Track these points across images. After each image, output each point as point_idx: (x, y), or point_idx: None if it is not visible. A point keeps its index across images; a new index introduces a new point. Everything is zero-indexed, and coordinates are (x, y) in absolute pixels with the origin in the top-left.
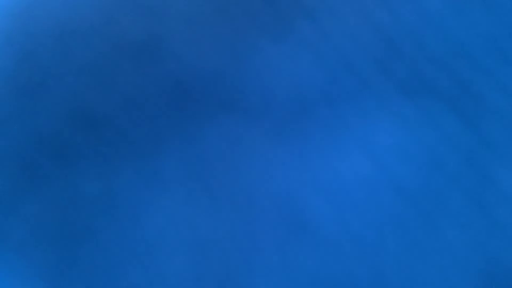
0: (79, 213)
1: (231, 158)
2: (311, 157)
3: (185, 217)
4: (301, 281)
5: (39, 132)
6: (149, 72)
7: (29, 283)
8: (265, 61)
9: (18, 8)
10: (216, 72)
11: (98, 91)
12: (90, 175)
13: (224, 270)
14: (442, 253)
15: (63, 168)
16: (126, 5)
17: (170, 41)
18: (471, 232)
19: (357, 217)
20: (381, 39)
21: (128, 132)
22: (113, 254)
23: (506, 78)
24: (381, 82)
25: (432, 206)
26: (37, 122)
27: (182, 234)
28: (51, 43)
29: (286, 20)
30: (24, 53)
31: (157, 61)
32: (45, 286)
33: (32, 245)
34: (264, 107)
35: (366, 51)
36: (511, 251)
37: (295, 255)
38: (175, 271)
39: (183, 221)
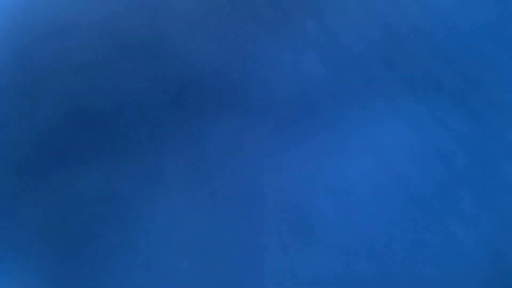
0: (81, 215)
1: (235, 157)
2: (316, 156)
3: (188, 217)
4: (307, 280)
5: (39, 132)
6: (151, 71)
7: (30, 286)
8: (269, 59)
9: (16, 6)
10: (219, 70)
11: (99, 90)
12: (91, 176)
13: (229, 270)
14: (450, 250)
15: (64, 169)
16: (127, 2)
17: (172, 39)
18: (479, 229)
19: (363, 216)
20: (387, 36)
21: (129, 131)
22: (116, 255)
23: None
24: (387, 79)
25: (439, 204)
26: (37, 123)
27: (186, 235)
28: (51, 42)
29: (289, 17)
30: (23, 52)
31: (159, 59)
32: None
33: (34, 247)
34: (268, 105)
35: (371, 47)
36: None
37: (301, 254)
38: (179, 272)
39: (186, 221)
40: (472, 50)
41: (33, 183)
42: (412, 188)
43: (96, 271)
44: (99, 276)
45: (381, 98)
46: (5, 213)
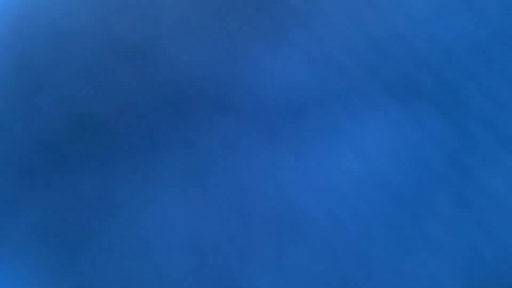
0: (79, 214)
1: (226, 158)
2: (303, 157)
3: (181, 216)
4: (295, 277)
5: (37, 135)
6: (145, 75)
7: (31, 284)
8: (259, 65)
9: (13, 12)
10: (211, 75)
11: (95, 94)
12: (89, 177)
13: (220, 267)
14: (427, 249)
15: (62, 171)
16: (122, 9)
17: (166, 44)
18: (455, 228)
19: (347, 215)
20: (371, 44)
21: (125, 134)
22: (113, 253)
23: (490, 81)
24: (370, 85)
25: (418, 204)
26: (34, 126)
27: (179, 233)
28: (47, 47)
29: (278, 25)
30: (20, 57)
31: (153, 64)
32: (47, 286)
33: (33, 246)
34: (258, 109)
35: (356, 55)
36: (492, 247)
37: (289, 252)
38: (172, 268)
39: (179, 220)
40: (452, 59)
41: (32, 184)
42: (393, 189)
43: (93, 269)
44: (96, 274)
45: (365, 103)
46: (5, 213)
